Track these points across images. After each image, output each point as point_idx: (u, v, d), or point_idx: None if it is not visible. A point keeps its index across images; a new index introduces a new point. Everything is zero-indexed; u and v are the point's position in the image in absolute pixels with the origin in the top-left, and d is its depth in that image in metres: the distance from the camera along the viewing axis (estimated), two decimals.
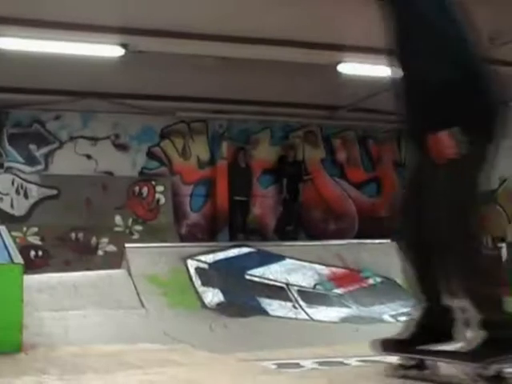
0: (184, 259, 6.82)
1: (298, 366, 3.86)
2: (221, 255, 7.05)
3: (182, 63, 10.33)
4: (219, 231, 13.27)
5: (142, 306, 6.09)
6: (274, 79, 11.08)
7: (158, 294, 6.28)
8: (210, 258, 6.94)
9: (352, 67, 10.23)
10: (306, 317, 6.30)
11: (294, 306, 6.49)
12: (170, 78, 11.09)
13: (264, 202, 13.94)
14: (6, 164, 12.17)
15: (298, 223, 13.83)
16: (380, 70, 10.33)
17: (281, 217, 13.94)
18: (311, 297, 6.72)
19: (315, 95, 12.22)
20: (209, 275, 6.69)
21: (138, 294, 6.23)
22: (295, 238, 13.23)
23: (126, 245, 6.96)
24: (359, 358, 4.03)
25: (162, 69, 10.62)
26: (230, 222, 13.38)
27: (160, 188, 12.96)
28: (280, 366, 3.89)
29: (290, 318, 6.24)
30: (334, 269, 7.32)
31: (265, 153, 13.95)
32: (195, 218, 13.43)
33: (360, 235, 13.38)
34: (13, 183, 12.01)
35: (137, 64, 10.11)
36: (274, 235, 13.90)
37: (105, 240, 12.03)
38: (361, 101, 12.64)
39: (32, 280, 5.90)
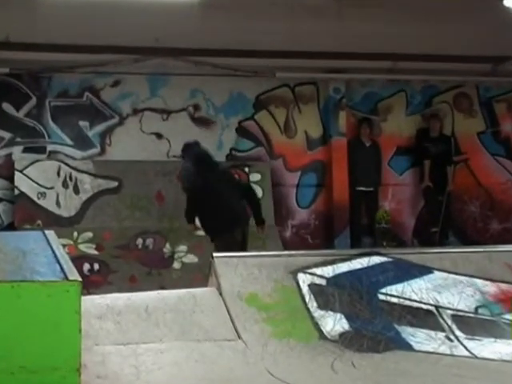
0: (293, 273, 6.79)
1: None
2: (343, 267, 6.97)
3: (282, 5, 10.34)
4: (337, 234, 13.27)
5: (239, 336, 6.09)
6: (412, 22, 10.96)
7: (260, 321, 6.26)
8: (329, 271, 6.88)
9: None
10: (466, 353, 6.15)
11: (449, 338, 6.35)
12: (267, 26, 11.13)
13: (398, 194, 13.83)
14: (50, 147, 12.56)
15: (448, 222, 13.62)
16: None
17: (422, 213, 13.79)
18: (472, 324, 6.56)
19: (470, 42, 12.01)
20: (328, 295, 6.62)
21: (232, 320, 6.23)
22: (444, 243, 13.01)
23: (214, 254, 7.00)
24: None
25: (254, 15, 10.67)
26: (352, 221, 13.34)
27: (255, 176, 13.05)
28: None
29: (444, 355, 6.10)
30: (502, 285, 7.12)
31: (398, 125, 13.84)
32: (304, 217, 13.46)
33: None
34: (58, 173, 12.36)
35: (221, 9, 10.21)
36: (414, 239, 13.76)
37: (183, 248, 12.20)
38: None
39: (89, 303, 6.02)
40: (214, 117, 13.09)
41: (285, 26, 11.14)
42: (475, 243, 13.08)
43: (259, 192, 12.93)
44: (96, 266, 11.74)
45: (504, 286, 7.12)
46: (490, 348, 6.20)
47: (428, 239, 13.34)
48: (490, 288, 7.02)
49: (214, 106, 13.10)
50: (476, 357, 6.09)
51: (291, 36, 11.64)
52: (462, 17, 10.72)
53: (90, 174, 12.37)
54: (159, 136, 12.88)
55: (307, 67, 12.98)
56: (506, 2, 9.77)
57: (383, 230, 13.59)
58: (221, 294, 6.52)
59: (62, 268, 5.25)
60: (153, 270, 11.85)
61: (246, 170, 13.01)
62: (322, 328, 6.33)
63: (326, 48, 12.36)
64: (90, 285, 10.75)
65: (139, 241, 12.15)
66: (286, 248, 12.50)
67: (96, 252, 11.86)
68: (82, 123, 12.64)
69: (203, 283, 7.01)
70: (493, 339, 6.36)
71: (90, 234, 11.99)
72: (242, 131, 13.24)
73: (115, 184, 12.39)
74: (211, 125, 13.10)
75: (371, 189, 13.43)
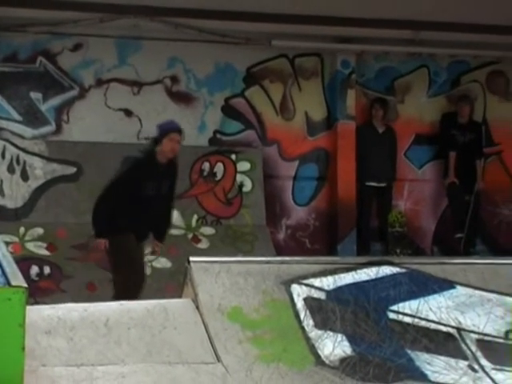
0: (286, 284, 6.78)
1: None
2: (347, 278, 6.97)
3: None
4: (341, 238, 13.34)
5: (218, 359, 6.07)
6: None
7: (244, 341, 6.23)
8: (330, 282, 6.87)
9: None
10: None
11: (472, 367, 6.36)
12: None
13: (416, 191, 13.93)
14: None
15: (475, 227, 13.68)
16: None
17: (445, 216, 13.86)
18: (501, 352, 6.56)
19: (506, 9, 12.00)
20: (327, 311, 6.62)
21: (210, 339, 6.22)
22: (470, 252, 13.08)
23: (190, 258, 7.00)
24: None
25: None
26: (360, 223, 13.39)
27: (244, 165, 13.11)
28: None
29: None
30: None
31: (419, 108, 13.94)
32: (302, 216, 13.53)
33: None
34: (3, 155, 12.37)
35: None
36: (434, 246, 13.84)
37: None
38: None
39: (37, 314, 5.99)
40: (195, 92, 13.13)
41: None
42: (508, 253, 13.11)
43: (248, 184, 12.98)
44: (47, 270, 11.77)
45: None
46: None
47: (451, 247, 13.44)
48: None
49: (195, 78, 13.13)
50: None
51: None
52: None
53: (42, 156, 12.39)
54: (128, 113, 12.90)
55: (310, 35, 13.04)
56: None
57: (397, 235, 13.67)
58: (198, 307, 6.51)
59: (3, 271, 5.23)
60: None
61: (233, 157, 13.03)
62: (320, 351, 6.33)
63: (333, 12, 12.40)
64: (39, 292, 10.76)
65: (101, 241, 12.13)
66: (279, 253, 12.58)
67: (47, 252, 11.90)
68: (33, 95, 12.63)
69: (177, 293, 7.01)
70: None
71: (40, 231, 12.02)
72: (228, 110, 13.27)
73: (73, 170, 12.43)
74: (192, 101, 13.14)
75: (384, 184, 13.50)
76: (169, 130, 9.76)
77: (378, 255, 12.18)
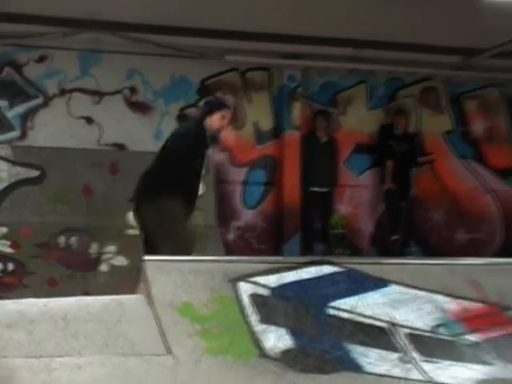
0: (233, 281, 6.77)
1: None
2: (290, 276, 6.98)
3: None
4: (287, 239, 13.32)
5: (169, 351, 6.04)
6: (375, 6, 11.00)
7: (194, 334, 6.22)
8: (274, 280, 6.87)
9: None
10: (421, 376, 6.20)
11: (403, 359, 6.38)
12: (217, 3, 11.11)
13: (356, 196, 13.94)
14: None
15: (409, 230, 13.73)
16: None
17: (382, 219, 13.88)
18: (429, 345, 6.59)
19: (439, 32, 12.11)
20: (271, 307, 6.62)
21: (162, 332, 6.19)
22: (404, 253, 13.13)
23: (146, 257, 6.97)
24: None
25: None
26: (303, 225, 13.39)
27: None
28: None
29: (396, 378, 6.14)
30: (465, 303, 7.20)
31: (359, 120, 13.94)
32: (250, 218, 13.48)
33: (506, 251, 13.21)
34: None
35: None
36: (372, 247, 13.86)
37: (112, 248, 12.14)
38: None
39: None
40: (152, 102, 13.04)
41: (236, 3, 11.12)
42: (439, 254, 13.21)
43: (202, 188, 12.91)
44: (10, 266, 11.65)
45: (466, 303, 7.21)
46: (448, 372, 6.27)
47: (387, 248, 13.45)
48: (452, 305, 7.10)
49: (153, 89, 13.05)
50: (432, 381, 6.13)
51: (243, 15, 11.63)
52: (433, 3, 10.81)
53: (7, 160, 12.24)
54: (90, 121, 12.78)
55: (260, 51, 13.00)
56: None
57: (338, 237, 13.68)
58: (151, 302, 6.47)
59: None
60: (76, 273, 11.78)
61: None
62: (263, 344, 6.32)
63: (281, 30, 12.37)
64: (2, 287, 10.68)
65: (62, 239, 12.06)
66: (228, 252, 12.54)
67: (11, 250, 11.75)
68: (0, 102, 12.50)
69: (133, 289, 6.97)
70: (452, 362, 6.41)
71: (4, 230, 11.87)
72: (184, 119, 13.18)
73: (37, 173, 12.28)
74: (149, 111, 13.05)
75: (326, 190, 13.49)
76: (220, 106, 9.05)
77: (321, 255, 12.15)
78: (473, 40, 12.68)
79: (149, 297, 6.53)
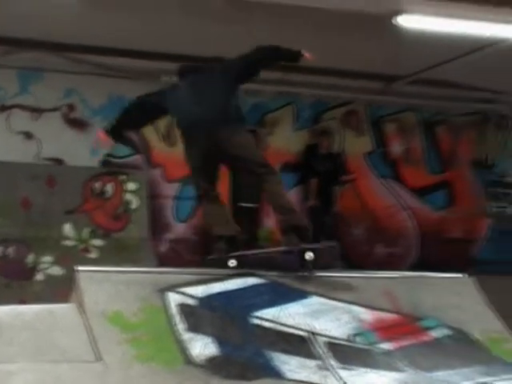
0: (162, 291, 6.75)
1: None
2: (216, 287, 6.98)
3: (171, 5, 10.32)
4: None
5: (99, 358, 5.97)
6: (302, 33, 11.06)
7: (123, 342, 6.15)
8: (201, 290, 6.86)
9: (417, 20, 10.20)
10: (338, 383, 6.21)
11: (321, 367, 6.37)
12: (154, 25, 11.09)
13: None
14: None
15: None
16: (460, 24, 10.37)
17: None
18: (347, 353, 6.60)
19: (361, 59, 12.24)
20: (198, 316, 6.58)
21: (93, 340, 6.13)
22: (274, 262, 13.20)
23: (79, 267, 6.91)
24: None
25: (142, 11, 10.63)
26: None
27: (131, 186, 12.98)
28: None
29: None
30: (380, 313, 7.23)
31: (285, 140, 13.99)
32: (181, 231, 13.46)
33: (421, 265, 13.40)
34: None
35: (106, 6, 10.12)
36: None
37: (48, 259, 12.02)
38: (429, 69, 12.65)
39: None
40: (90, 119, 12.96)
41: (173, 27, 11.11)
42: (359, 267, 13.29)
43: (135, 202, 12.89)
44: None
45: (382, 313, 7.26)
46: (362, 378, 6.29)
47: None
48: (368, 315, 7.13)
49: (90, 107, 12.97)
50: None
51: (179, 38, 11.63)
52: (353, 32, 10.94)
53: None
54: (29, 136, 12.66)
55: None
56: (399, 20, 10.01)
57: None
58: (83, 311, 6.42)
59: None
60: (13, 282, 11.64)
61: (122, 178, 12.92)
62: (190, 352, 6.28)
63: (214, 53, 12.36)
64: None
65: None
66: (161, 264, 12.48)
67: None
68: None
69: (66, 299, 6.90)
70: (367, 369, 6.45)
71: None
72: None
73: None
74: (86, 127, 12.97)
75: (253, 205, 13.50)
76: None
77: (247, 267, 12.16)
78: (392, 67, 12.88)
79: (81, 306, 6.47)
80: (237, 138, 7.88)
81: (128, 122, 8.87)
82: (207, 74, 8.34)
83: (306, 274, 7.61)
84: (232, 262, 7.80)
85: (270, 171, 7.93)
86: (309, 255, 7.68)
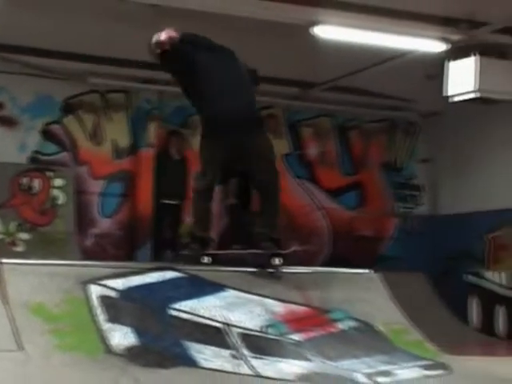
0: (84, 284, 6.72)
1: None
2: (136, 280, 6.97)
3: (98, 9, 10.27)
4: (139, 246, 13.23)
5: (21, 348, 5.92)
6: (225, 41, 11.07)
7: (45, 332, 6.13)
8: (121, 283, 6.84)
9: (332, 30, 10.31)
10: (250, 371, 6.26)
11: (235, 356, 6.43)
12: (82, 28, 10.99)
13: None
14: None
15: (249, 241, 13.82)
16: (372, 36, 10.53)
17: (226, 231, 13.94)
18: (259, 343, 6.66)
19: (280, 66, 12.30)
20: (118, 308, 6.58)
21: (16, 330, 6.06)
22: (244, 262, 13.24)
23: (3, 260, 6.83)
24: None
25: (69, 14, 10.54)
26: (155, 233, 13.33)
27: (58, 182, 12.85)
28: None
29: (228, 372, 6.18)
30: (292, 306, 7.32)
31: None
32: (106, 226, 13.37)
33: (334, 261, 13.50)
34: None
35: (34, 6, 10.01)
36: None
37: None
38: (343, 77, 12.79)
39: None
40: (18, 117, 12.79)
41: (100, 30, 11.02)
42: None
43: (62, 198, 12.77)
44: None
45: (293, 306, 7.34)
46: (273, 367, 6.35)
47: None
48: (279, 308, 7.21)
49: (19, 105, 12.79)
50: (260, 375, 6.21)
51: (106, 41, 11.55)
52: (273, 40, 11.03)
53: None
54: None
55: (120, 75, 12.94)
56: (315, 29, 10.11)
57: (186, 245, 13.65)
58: (6, 302, 6.34)
59: None
60: None
61: (49, 174, 12.79)
62: (110, 342, 6.28)
63: (140, 57, 12.31)
64: None
65: None
66: (86, 257, 12.38)
67: None
68: None
69: None
70: (277, 358, 6.51)
71: None
72: (47, 134, 13.00)
73: None
74: (15, 125, 12.80)
75: (176, 202, 13.48)
76: None
77: (171, 261, 12.14)
78: (309, 74, 12.99)
79: (4, 297, 6.40)
80: (263, 139, 7.79)
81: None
82: (233, 65, 7.84)
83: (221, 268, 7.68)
84: (207, 259, 7.83)
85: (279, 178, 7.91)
86: (279, 260, 7.74)
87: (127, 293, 6.81)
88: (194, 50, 7.66)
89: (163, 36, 7.72)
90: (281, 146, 14.26)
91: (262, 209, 8.01)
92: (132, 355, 6.20)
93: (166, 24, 10.59)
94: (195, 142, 13.78)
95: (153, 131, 13.49)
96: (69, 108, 13.14)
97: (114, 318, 6.51)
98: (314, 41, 10.46)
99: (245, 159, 7.80)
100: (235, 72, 7.73)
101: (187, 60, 7.65)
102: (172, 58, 7.74)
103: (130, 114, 13.54)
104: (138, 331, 6.47)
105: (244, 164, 7.98)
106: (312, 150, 14.70)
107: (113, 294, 6.78)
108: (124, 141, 13.49)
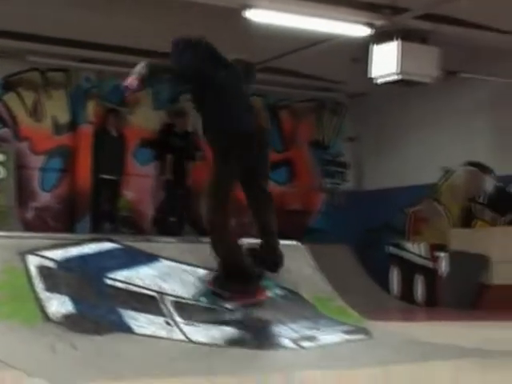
0: (23, 254, 6.60)
1: None
2: (74, 251, 6.85)
3: None
4: (79, 219, 13.16)
5: None
6: (162, 23, 11.02)
7: None
8: (59, 254, 6.73)
9: (264, 14, 10.32)
10: (182, 337, 6.25)
11: (168, 322, 6.41)
12: (21, 7, 10.81)
13: (140, 184, 13.91)
14: None
15: (185, 214, 13.85)
16: (302, 20, 10.56)
17: (162, 204, 13.95)
18: (191, 311, 6.64)
19: (216, 47, 12.20)
20: (56, 277, 6.47)
21: None
22: (180, 233, 13.28)
23: None
24: None
25: None
26: (94, 207, 13.26)
27: (0, 157, 12.66)
28: None
29: (161, 338, 6.15)
30: None
31: (145, 119, 13.91)
32: (46, 200, 13.25)
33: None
34: None
35: None
36: (153, 228, 13.90)
37: None
38: (275, 59, 12.80)
39: None
40: None
41: (41, 10, 10.85)
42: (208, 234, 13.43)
43: (3, 173, 12.58)
44: None
45: None
46: (204, 333, 6.35)
47: (166, 229, 13.52)
48: (211, 277, 7.20)
49: None
50: (191, 340, 6.22)
51: (46, 21, 11.38)
52: (207, 23, 10.96)
53: None
54: None
55: (60, 54, 12.76)
56: (247, 13, 10.11)
57: (124, 218, 13.65)
58: None
59: None
60: None
61: None
62: (47, 310, 6.18)
63: (79, 37, 12.19)
64: None
65: None
66: (27, 230, 12.28)
67: None
68: None
69: None
70: (208, 325, 6.52)
71: None
72: None
73: None
74: None
75: (114, 177, 13.42)
76: None
77: (109, 233, 12.08)
78: (243, 55, 12.92)
79: None
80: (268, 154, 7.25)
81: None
82: (240, 78, 7.20)
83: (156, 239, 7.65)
84: None
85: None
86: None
87: (65, 263, 6.71)
88: (216, 69, 6.96)
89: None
90: None
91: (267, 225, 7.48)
92: (69, 323, 6.13)
93: (101, 6, 10.53)
94: (132, 119, 13.76)
95: (91, 109, 13.37)
96: (9, 85, 12.96)
97: (51, 288, 6.41)
98: (247, 24, 10.45)
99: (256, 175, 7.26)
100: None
101: (211, 80, 6.89)
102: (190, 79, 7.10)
103: (69, 91, 13.37)
104: (75, 300, 6.38)
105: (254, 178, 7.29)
106: None
107: (51, 264, 6.67)
108: (64, 117, 13.36)
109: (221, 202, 7.30)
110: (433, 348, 6.40)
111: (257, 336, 6.45)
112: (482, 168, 13.18)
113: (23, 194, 12.96)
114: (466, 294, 11.83)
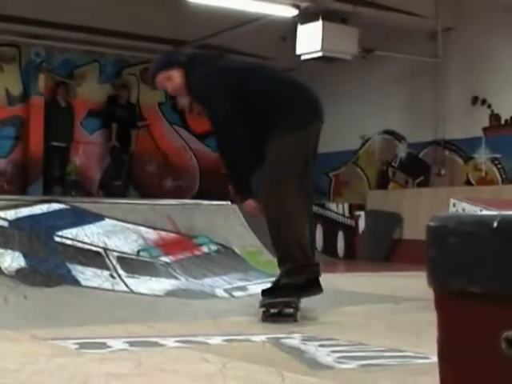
0: None
1: (104, 346, 3.84)
2: (25, 211, 6.78)
3: None
4: (31, 183, 12.97)
5: None
6: (105, 1, 10.89)
7: None
8: (11, 214, 6.64)
9: None
10: (125, 288, 6.24)
11: (112, 276, 6.38)
12: None
13: (88, 150, 13.78)
14: None
15: (129, 178, 13.80)
16: (234, 1, 10.52)
17: (108, 169, 13.86)
18: (133, 265, 6.61)
19: (155, 25, 12.17)
20: (8, 235, 6.39)
21: None
22: (125, 195, 13.24)
23: None
24: (178, 339, 4.09)
25: None
26: (45, 172, 13.10)
27: None
28: (82, 345, 3.86)
29: (106, 290, 6.11)
30: (162, 233, 7.28)
31: (91, 91, 13.73)
32: (1, 165, 13.03)
33: (202, 195, 13.64)
34: None
35: None
36: (100, 190, 13.82)
37: None
38: (210, 37, 12.73)
39: None
40: None
41: None
42: (152, 197, 13.38)
43: None
44: None
45: (163, 233, 7.33)
46: (145, 285, 6.36)
47: (112, 192, 13.44)
48: (152, 235, 7.18)
49: None
50: (133, 292, 6.22)
51: None
52: (149, 2, 10.90)
53: None
54: None
55: (11, 30, 12.52)
56: None
57: (73, 182, 13.53)
58: None
59: None
60: None
61: None
62: (1, 265, 6.13)
63: (29, 15, 11.95)
64: None
65: None
66: None
67: None
68: None
69: None
70: (149, 277, 6.52)
71: None
72: None
73: None
74: None
75: (64, 144, 13.28)
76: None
77: (59, 195, 11.95)
78: (180, 33, 12.86)
79: None
80: None
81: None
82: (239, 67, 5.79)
83: (101, 200, 7.57)
84: None
85: None
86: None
87: (16, 222, 6.63)
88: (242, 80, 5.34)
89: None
90: (156, 95, 14.15)
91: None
92: (21, 276, 6.07)
93: None
94: (80, 91, 13.57)
95: (42, 82, 13.13)
96: None
97: (3, 244, 6.33)
98: (185, 3, 10.37)
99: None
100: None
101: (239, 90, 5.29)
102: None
103: (21, 66, 13.12)
104: (27, 255, 6.32)
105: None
106: (183, 100, 14.60)
107: (4, 223, 6.59)
108: (16, 90, 13.11)
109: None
110: (349, 296, 6.52)
111: (193, 287, 6.48)
112: (396, 136, 13.36)
113: None
114: (381, 248, 12.08)
